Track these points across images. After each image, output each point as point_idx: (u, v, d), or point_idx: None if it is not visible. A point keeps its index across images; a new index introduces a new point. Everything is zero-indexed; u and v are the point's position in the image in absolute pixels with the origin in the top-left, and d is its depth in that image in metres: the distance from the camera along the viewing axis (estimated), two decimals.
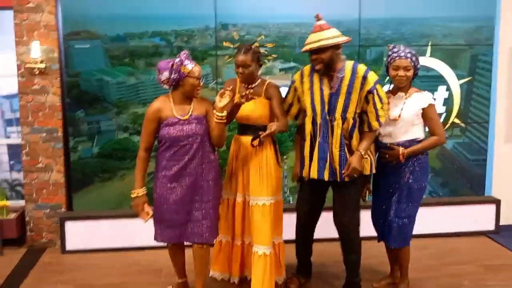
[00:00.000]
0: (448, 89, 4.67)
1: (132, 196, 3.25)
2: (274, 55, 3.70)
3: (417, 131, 3.32)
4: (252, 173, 3.35)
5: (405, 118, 3.25)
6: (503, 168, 4.90)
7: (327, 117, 3.21)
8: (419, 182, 3.32)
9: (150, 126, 3.18)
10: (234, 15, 4.43)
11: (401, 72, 3.23)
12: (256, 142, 3.26)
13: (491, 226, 4.77)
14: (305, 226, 3.58)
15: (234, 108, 3.25)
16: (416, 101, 3.27)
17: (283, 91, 3.49)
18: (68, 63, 4.35)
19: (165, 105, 3.17)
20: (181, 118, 3.13)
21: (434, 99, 3.37)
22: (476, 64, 4.72)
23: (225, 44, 3.60)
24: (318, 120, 3.24)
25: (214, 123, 3.15)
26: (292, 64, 4.51)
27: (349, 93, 3.18)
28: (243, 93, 3.15)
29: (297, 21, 4.47)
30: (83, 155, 4.45)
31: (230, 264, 3.63)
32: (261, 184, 3.33)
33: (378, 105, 3.19)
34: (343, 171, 3.19)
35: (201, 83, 3.17)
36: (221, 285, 3.64)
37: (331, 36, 3.12)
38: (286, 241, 3.59)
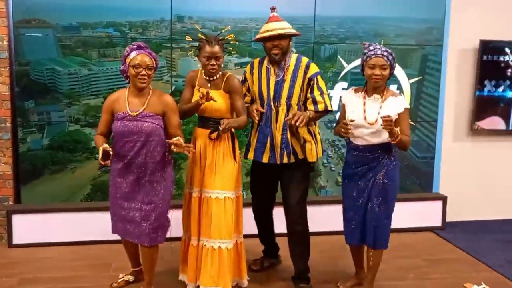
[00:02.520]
0: (399, 88, 4.79)
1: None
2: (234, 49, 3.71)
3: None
4: (207, 165, 3.32)
5: (381, 123, 3.17)
6: (450, 166, 5.06)
7: (272, 104, 3.35)
8: (392, 180, 3.31)
9: (104, 116, 3.19)
10: (190, 8, 4.42)
11: (377, 71, 3.16)
12: (214, 135, 3.27)
13: (437, 222, 4.93)
14: (259, 206, 3.69)
15: (193, 106, 3.23)
16: (392, 105, 3.22)
17: None
18: (18, 51, 4.22)
19: (121, 98, 3.14)
20: (130, 113, 3.08)
21: None
22: (426, 64, 4.87)
23: (188, 39, 3.53)
24: (265, 106, 3.37)
25: (173, 122, 3.13)
26: (247, 59, 4.52)
27: (293, 81, 3.35)
28: (202, 94, 3.09)
29: (252, 16, 4.49)
30: (32, 147, 4.34)
31: (185, 265, 3.49)
32: (214, 177, 3.29)
33: (316, 92, 3.34)
34: (287, 118, 3.27)
35: (145, 72, 3.04)
36: (173, 286, 3.57)
37: (290, 26, 3.34)
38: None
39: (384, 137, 3.21)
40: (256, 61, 3.53)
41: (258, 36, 3.38)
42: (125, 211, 3.16)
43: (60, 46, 4.28)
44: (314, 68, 3.39)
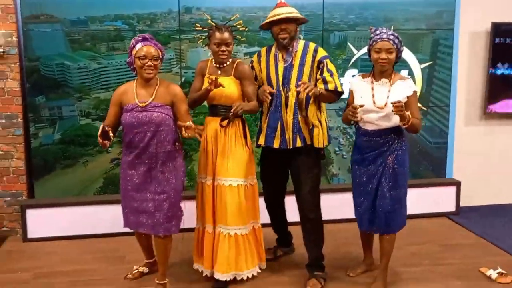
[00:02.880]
0: (410, 73, 4.74)
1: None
2: (243, 37, 3.73)
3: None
4: (219, 153, 3.33)
5: (391, 107, 3.13)
6: (464, 151, 5.01)
7: (281, 89, 3.34)
8: (402, 165, 3.29)
9: (112, 108, 3.19)
10: None
11: (383, 55, 3.14)
12: (225, 123, 3.29)
13: (451, 208, 4.90)
14: (269, 194, 3.71)
15: (203, 94, 3.24)
16: (401, 88, 3.20)
17: None
18: (27, 47, 4.24)
19: (129, 90, 3.16)
20: (139, 104, 3.09)
21: None
22: (437, 49, 4.80)
23: (197, 28, 3.50)
24: (274, 92, 3.35)
25: (182, 111, 3.13)
26: (256, 48, 4.49)
27: (302, 65, 3.34)
28: (210, 80, 3.12)
29: (261, 5, 4.45)
30: (44, 142, 4.36)
31: (201, 254, 3.48)
32: (226, 164, 3.30)
33: (326, 73, 3.32)
34: (298, 84, 3.23)
35: (151, 63, 3.05)
36: (187, 276, 3.59)
37: (297, 12, 3.34)
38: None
39: (395, 120, 3.18)
40: (264, 50, 3.54)
41: (266, 20, 3.36)
42: (138, 203, 3.17)
43: (68, 40, 4.29)
44: (322, 52, 3.40)
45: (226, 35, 3.24)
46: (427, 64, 4.80)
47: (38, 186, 4.40)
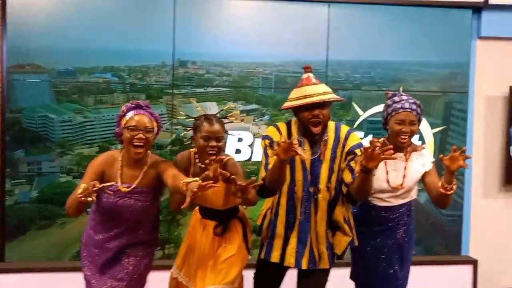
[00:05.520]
0: (421, 138, 4.37)
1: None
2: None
3: (415, 192, 2.94)
4: (200, 259, 2.79)
5: (408, 186, 2.83)
6: (481, 226, 4.55)
7: (310, 189, 2.67)
8: (411, 239, 2.97)
9: (91, 177, 2.58)
10: (194, 52, 4.15)
11: (406, 128, 2.74)
12: (219, 230, 2.78)
13: None
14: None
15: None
16: (418, 165, 2.83)
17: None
18: (10, 98, 3.99)
19: (114, 164, 2.64)
20: (121, 188, 2.59)
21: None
22: (450, 112, 4.46)
23: (180, 116, 2.99)
24: (299, 193, 2.67)
25: (174, 183, 2.46)
26: (254, 106, 4.21)
27: (332, 159, 2.66)
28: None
29: (260, 60, 4.20)
30: (20, 199, 4.02)
31: None
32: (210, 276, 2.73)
33: (353, 164, 2.63)
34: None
35: (142, 136, 2.54)
36: None
37: (331, 90, 2.67)
38: None
39: (412, 195, 2.83)
40: (283, 127, 2.74)
41: (291, 103, 2.64)
42: (95, 285, 2.69)
43: (54, 92, 4.04)
44: (353, 139, 2.69)
45: (217, 127, 2.63)
46: (439, 128, 4.43)
47: (10, 248, 4.01)
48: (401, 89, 4.31)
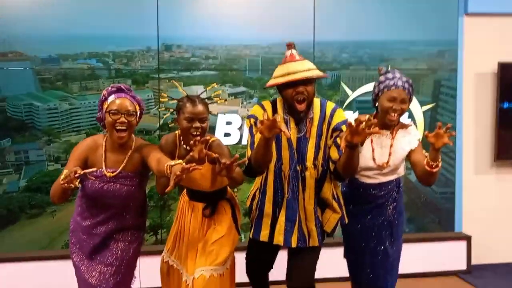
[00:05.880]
0: (411, 116, 4.35)
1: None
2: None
3: (402, 169, 2.88)
4: (190, 242, 2.76)
5: (394, 164, 2.78)
6: (474, 202, 4.54)
7: (297, 167, 2.63)
8: (401, 215, 2.91)
9: (75, 163, 2.54)
10: (178, 35, 4.11)
11: (397, 105, 2.67)
12: (208, 212, 2.75)
13: (462, 265, 4.41)
14: (255, 273, 3.02)
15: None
16: (404, 142, 2.77)
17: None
18: None
19: (97, 149, 2.60)
20: (106, 173, 2.55)
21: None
22: (439, 90, 4.44)
23: (163, 99, 2.87)
24: (286, 171, 2.63)
25: (158, 167, 2.40)
26: (242, 88, 4.18)
27: (319, 136, 2.62)
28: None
29: (247, 43, 4.16)
30: (8, 189, 3.99)
31: None
32: (200, 258, 2.70)
33: (339, 141, 2.57)
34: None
35: (124, 119, 2.49)
36: None
37: (315, 67, 2.61)
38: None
39: (399, 172, 2.80)
40: (268, 105, 2.69)
41: (275, 81, 2.59)
42: (85, 272, 2.65)
43: (38, 79, 3.99)
44: (339, 116, 2.64)
45: (201, 108, 2.57)
46: (429, 106, 4.41)
47: (0, 238, 3.97)
48: (389, 67, 4.29)
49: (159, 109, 4.01)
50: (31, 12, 3.92)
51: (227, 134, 4.14)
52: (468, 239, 4.41)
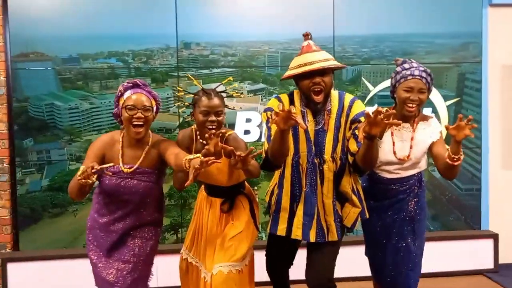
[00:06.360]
0: (435, 111, 4.25)
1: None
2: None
3: (424, 163, 2.81)
4: (209, 239, 2.74)
5: (415, 157, 2.72)
6: (501, 199, 4.41)
7: (315, 160, 2.59)
8: (424, 211, 2.84)
9: (92, 160, 2.52)
10: (197, 33, 4.09)
11: (414, 95, 2.61)
12: (226, 207, 2.73)
13: (489, 264, 4.28)
14: (275, 269, 2.98)
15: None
16: (425, 135, 2.72)
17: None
18: (16, 87, 3.99)
19: (114, 145, 2.59)
20: (123, 169, 2.54)
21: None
22: (464, 84, 4.33)
23: (179, 93, 2.87)
24: (304, 164, 2.60)
25: (176, 162, 2.39)
26: (261, 85, 4.13)
27: (337, 128, 2.58)
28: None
29: (266, 39, 4.12)
30: (31, 189, 4.03)
31: None
32: (217, 255, 2.68)
33: (358, 132, 2.53)
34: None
35: (141, 115, 2.48)
36: None
37: (333, 57, 2.57)
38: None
39: (421, 166, 2.73)
40: (285, 98, 2.66)
41: (291, 72, 2.56)
42: (102, 269, 2.65)
43: (59, 79, 4.02)
44: (358, 107, 2.59)
45: (216, 101, 2.56)
46: (453, 101, 4.31)
47: (23, 237, 4.02)
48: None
49: (175, 104, 4.00)
50: (51, 13, 3.96)
51: (246, 132, 4.11)
52: (495, 237, 4.28)
